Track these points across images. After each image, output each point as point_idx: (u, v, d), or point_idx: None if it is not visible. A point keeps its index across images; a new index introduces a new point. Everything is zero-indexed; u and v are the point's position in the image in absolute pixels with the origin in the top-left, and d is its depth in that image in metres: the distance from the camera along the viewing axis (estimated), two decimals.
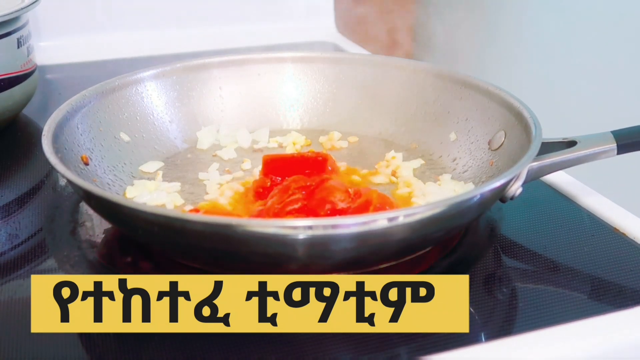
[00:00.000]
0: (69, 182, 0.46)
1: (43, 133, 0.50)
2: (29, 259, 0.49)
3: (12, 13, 0.66)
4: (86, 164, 0.54)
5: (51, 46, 0.92)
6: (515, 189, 0.50)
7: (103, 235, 0.51)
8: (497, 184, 0.45)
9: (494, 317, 0.44)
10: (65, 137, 0.53)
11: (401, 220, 0.41)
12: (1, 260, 0.50)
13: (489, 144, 0.58)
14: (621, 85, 0.96)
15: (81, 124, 0.56)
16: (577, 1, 0.96)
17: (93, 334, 0.42)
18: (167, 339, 0.41)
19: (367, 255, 0.44)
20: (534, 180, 0.52)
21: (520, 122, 0.54)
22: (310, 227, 0.40)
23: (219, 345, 0.40)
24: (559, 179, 0.59)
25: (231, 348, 0.40)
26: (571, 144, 0.52)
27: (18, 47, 0.69)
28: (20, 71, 0.69)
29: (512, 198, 0.50)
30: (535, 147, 0.48)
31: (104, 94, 0.59)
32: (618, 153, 0.52)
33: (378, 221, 0.41)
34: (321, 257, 0.43)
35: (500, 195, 0.50)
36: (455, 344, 0.40)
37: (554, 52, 1.00)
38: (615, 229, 0.53)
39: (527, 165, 0.48)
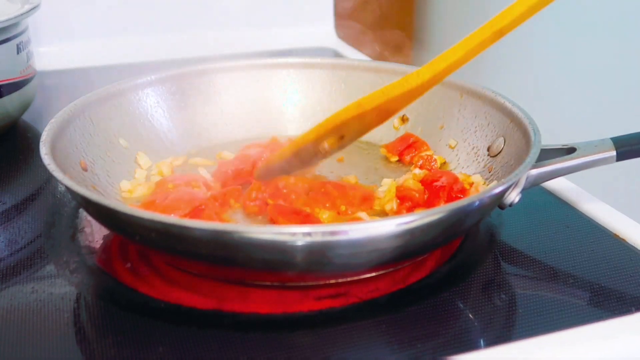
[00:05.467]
0: (67, 188, 0.46)
1: (41, 139, 0.50)
2: (28, 264, 0.49)
3: (11, 19, 0.66)
4: (85, 170, 0.54)
5: (51, 52, 0.93)
6: (514, 195, 0.50)
7: (102, 241, 0.51)
8: (495, 190, 0.45)
9: (494, 323, 0.44)
10: (64, 143, 0.53)
11: (400, 226, 0.41)
12: (0, 265, 0.49)
13: (488, 150, 0.57)
14: (621, 91, 0.95)
15: (80, 130, 0.56)
16: (577, 6, 0.96)
17: (92, 340, 0.42)
18: (170, 341, 0.41)
19: (365, 261, 0.43)
20: (533, 187, 0.52)
21: (519, 129, 0.54)
22: (308, 234, 0.40)
23: (223, 345, 0.41)
24: (558, 184, 0.59)
25: (237, 348, 0.40)
26: (570, 150, 0.52)
27: (18, 53, 0.69)
28: (20, 77, 0.69)
29: (510, 205, 0.50)
30: (534, 154, 0.48)
31: (104, 100, 0.59)
32: (617, 160, 0.52)
33: (377, 228, 0.41)
34: (319, 263, 0.42)
35: (499, 201, 0.50)
36: (454, 350, 0.40)
37: (554, 57, 1.00)
38: (615, 234, 0.53)
39: (526, 172, 0.48)
